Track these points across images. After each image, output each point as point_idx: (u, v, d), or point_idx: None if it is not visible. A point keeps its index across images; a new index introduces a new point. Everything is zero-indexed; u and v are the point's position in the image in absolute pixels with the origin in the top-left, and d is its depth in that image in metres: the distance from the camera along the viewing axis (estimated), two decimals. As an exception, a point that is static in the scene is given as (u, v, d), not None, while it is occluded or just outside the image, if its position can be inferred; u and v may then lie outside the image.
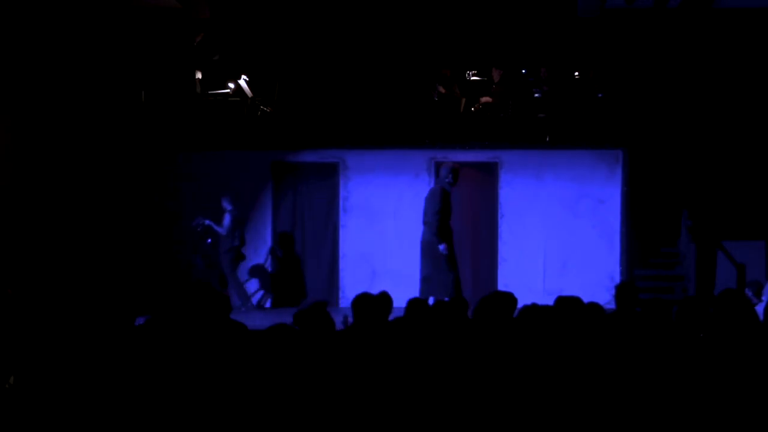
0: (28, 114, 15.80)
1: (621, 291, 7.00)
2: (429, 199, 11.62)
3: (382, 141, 14.27)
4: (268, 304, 14.23)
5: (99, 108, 15.50)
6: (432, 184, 14.17)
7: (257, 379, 4.44)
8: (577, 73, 14.69)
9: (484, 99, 14.60)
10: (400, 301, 6.65)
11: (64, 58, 15.71)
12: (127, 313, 6.01)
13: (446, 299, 9.60)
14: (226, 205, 13.46)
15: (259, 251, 14.26)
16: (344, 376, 4.90)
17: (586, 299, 6.07)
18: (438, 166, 14.24)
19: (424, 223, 11.53)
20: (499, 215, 14.06)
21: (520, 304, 6.52)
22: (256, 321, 10.47)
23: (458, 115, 14.60)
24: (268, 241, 14.30)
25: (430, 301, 10.23)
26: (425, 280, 11.51)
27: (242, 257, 13.72)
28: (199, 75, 14.39)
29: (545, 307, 6.01)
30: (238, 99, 14.32)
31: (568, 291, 9.26)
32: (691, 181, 15.18)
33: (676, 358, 5.33)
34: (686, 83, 15.59)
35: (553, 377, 5.03)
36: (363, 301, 6.24)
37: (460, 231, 14.43)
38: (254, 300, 14.15)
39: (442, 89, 14.51)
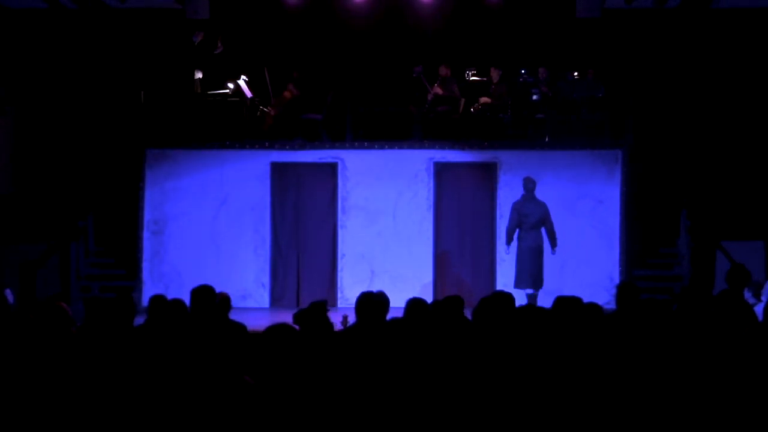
0: (29, 116, 15.87)
1: (622, 291, 7.00)
2: (540, 211, 12.62)
3: (382, 141, 14.28)
4: (266, 305, 14.23)
5: (99, 108, 15.56)
6: (432, 185, 14.21)
7: (257, 379, 4.44)
8: (576, 74, 14.68)
9: (483, 99, 14.61)
10: (398, 301, 6.65)
11: (63, 58, 15.76)
12: (126, 313, 6.01)
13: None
14: None
15: (258, 251, 14.25)
16: (345, 376, 4.91)
17: (585, 299, 6.07)
18: (438, 166, 14.27)
19: (531, 228, 12.58)
20: (498, 216, 14.05)
21: (518, 305, 6.53)
22: (256, 321, 10.47)
23: (457, 115, 14.60)
24: (268, 241, 14.30)
25: (529, 291, 12.51)
26: (533, 277, 12.59)
27: None
28: (199, 75, 14.40)
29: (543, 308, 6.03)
30: (237, 99, 14.33)
31: (567, 291, 9.28)
32: (691, 181, 15.19)
33: (675, 358, 5.33)
34: (685, 83, 15.60)
35: (552, 377, 5.04)
36: (366, 300, 6.24)
37: (459, 232, 14.46)
38: (254, 300, 14.16)
39: (439, 90, 14.51)
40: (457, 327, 6.24)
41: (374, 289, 6.68)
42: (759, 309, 8.77)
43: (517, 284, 12.62)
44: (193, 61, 14.36)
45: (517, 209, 12.66)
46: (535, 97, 14.47)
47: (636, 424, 4.85)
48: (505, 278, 13.70)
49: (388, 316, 6.26)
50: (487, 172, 14.38)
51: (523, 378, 5.04)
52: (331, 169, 14.40)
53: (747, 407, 4.87)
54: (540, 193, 12.81)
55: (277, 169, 14.40)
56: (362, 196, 14.25)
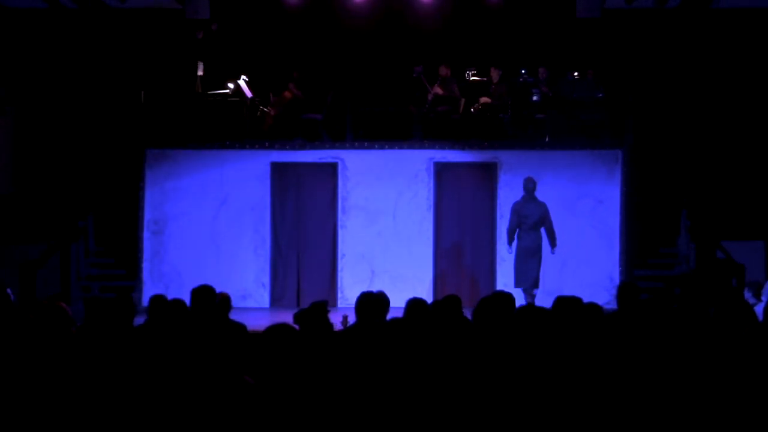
0: (29, 116, 15.88)
1: (622, 291, 6.99)
2: (539, 211, 12.64)
3: (382, 141, 14.28)
4: (266, 305, 14.23)
5: (99, 108, 15.58)
6: (432, 185, 14.21)
7: (257, 379, 4.44)
8: (576, 74, 14.68)
9: (483, 99, 14.61)
10: (398, 301, 6.65)
11: (63, 58, 15.77)
12: (126, 313, 6.00)
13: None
14: None
15: (258, 251, 14.24)
16: (344, 377, 4.90)
17: (585, 299, 6.07)
18: (438, 166, 14.28)
19: (531, 229, 12.60)
20: (498, 216, 14.05)
21: (518, 305, 6.52)
22: (256, 321, 10.47)
23: (457, 115, 14.60)
24: (268, 241, 14.29)
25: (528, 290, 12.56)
26: (532, 277, 12.61)
27: None
28: (200, 72, 14.41)
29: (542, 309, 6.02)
30: (237, 99, 14.34)
31: (567, 291, 9.28)
32: (691, 181, 15.19)
33: (675, 358, 5.33)
34: (685, 84, 15.60)
35: (552, 377, 5.04)
36: (366, 300, 6.24)
37: (460, 232, 14.46)
38: (254, 300, 14.15)
39: (439, 90, 14.51)
40: (457, 327, 6.24)
41: (374, 289, 6.68)
42: (759, 309, 8.76)
43: (517, 284, 12.65)
44: (195, 55, 14.37)
45: (516, 210, 12.69)
46: (535, 97, 14.47)
47: (636, 424, 4.85)
48: (505, 278, 13.69)
49: (388, 316, 6.26)
50: (487, 172, 14.38)
51: (523, 378, 5.03)
52: (331, 169, 14.39)
53: (747, 407, 4.87)
54: (540, 193, 12.81)
55: (277, 169, 14.40)
56: (362, 196, 14.24)
